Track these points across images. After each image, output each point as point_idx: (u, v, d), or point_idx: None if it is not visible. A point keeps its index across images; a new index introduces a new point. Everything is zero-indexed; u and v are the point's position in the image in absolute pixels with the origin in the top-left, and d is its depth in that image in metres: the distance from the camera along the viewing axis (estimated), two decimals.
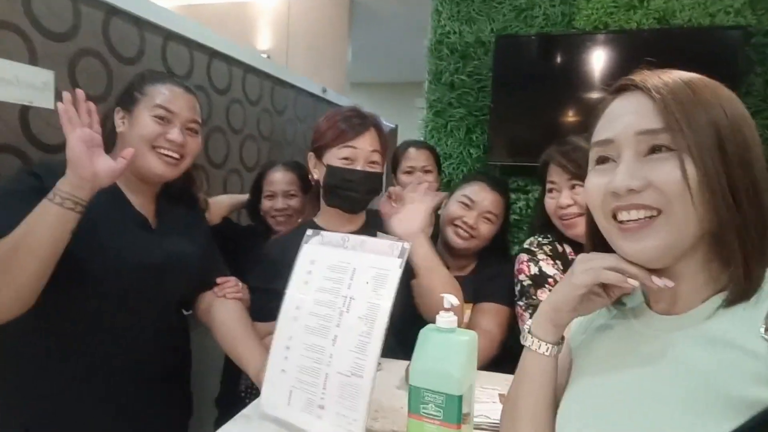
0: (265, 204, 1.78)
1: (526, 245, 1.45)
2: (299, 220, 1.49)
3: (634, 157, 0.61)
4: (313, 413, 0.90)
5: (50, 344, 1.08)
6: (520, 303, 1.41)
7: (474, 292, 1.49)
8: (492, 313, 1.44)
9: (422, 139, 2.23)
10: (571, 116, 1.96)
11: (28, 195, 0.98)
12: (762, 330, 0.55)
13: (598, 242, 0.70)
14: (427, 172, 1.84)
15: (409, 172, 1.86)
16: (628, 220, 0.61)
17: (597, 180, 0.65)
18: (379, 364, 1.22)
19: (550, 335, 0.71)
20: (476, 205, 1.53)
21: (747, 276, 0.58)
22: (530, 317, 1.30)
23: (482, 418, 1.01)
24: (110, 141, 1.15)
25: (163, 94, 1.16)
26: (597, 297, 0.68)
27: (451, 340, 0.88)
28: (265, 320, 1.26)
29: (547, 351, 0.70)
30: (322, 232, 1.03)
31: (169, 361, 1.26)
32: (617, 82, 0.66)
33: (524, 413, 0.73)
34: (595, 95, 1.92)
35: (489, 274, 1.54)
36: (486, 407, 1.06)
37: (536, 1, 2.08)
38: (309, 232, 1.05)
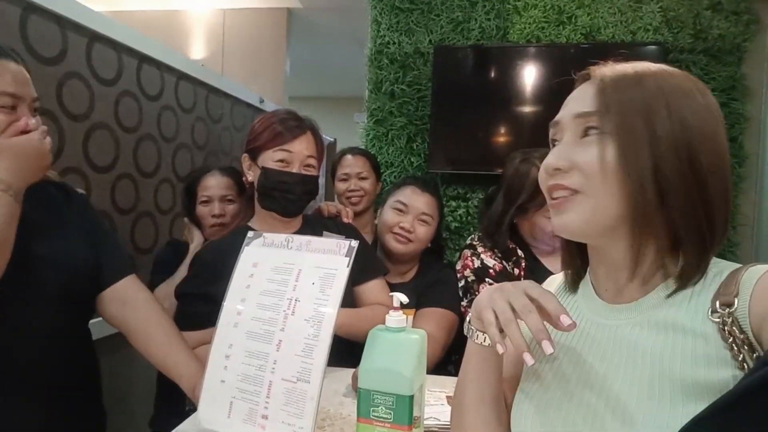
0: (200, 210, 1.70)
1: (468, 241, 1.50)
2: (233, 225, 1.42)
3: (571, 139, 0.63)
4: (256, 424, 0.85)
5: None
6: (464, 302, 1.43)
7: (416, 297, 1.49)
8: (435, 318, 1.44)
9: (363, 146, 2.22)
10: (506, 125, 2.02)
11: None
12: (709, 312, 0.57)
13: None
14: (362, 178, 1.83)
15: (344, 179, 1.85)
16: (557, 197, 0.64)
17: (547, 159, 0.67)
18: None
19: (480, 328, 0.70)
20: (410, 208, 1.55)
21: (690, 262, 0.60)
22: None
23: (432, 420, 0.99)
24: None
25: (1, 75, 0.96)
26: None
27: (401, 340, 0.86)
28: (194, 328, 1.19)
29: (485, 341, 0.69)
30: (265, 233, 0.99)
31: (66, 371, 1.09)
32: (582, 72, 0.67)
33: (469, 403, 0.72)
34: (527, 105, 1.99)
35: (430, 279, 1.55)
36: (435, 410, 1.04)
37: (472, 15, 2.14)
38: (250, 233, 1.00)
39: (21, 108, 0.98)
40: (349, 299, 1.35)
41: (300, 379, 0.83)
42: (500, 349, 0.61)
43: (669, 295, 0.61)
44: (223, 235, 1.37)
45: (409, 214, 1.54)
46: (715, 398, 0.51)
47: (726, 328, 0.55)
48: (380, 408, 0.83)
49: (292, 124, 1.24)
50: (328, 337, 0.83)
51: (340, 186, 1.85)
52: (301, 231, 1.32)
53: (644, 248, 0.62)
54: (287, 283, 0.90)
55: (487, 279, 1.39)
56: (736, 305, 0.55)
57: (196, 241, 1.69)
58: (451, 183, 2.16)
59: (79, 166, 1.90)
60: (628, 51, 2.02)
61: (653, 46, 1.97)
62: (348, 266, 0.87)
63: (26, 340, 1.00)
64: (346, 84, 5.11)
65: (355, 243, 0.89)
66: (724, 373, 0.54)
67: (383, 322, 0.85)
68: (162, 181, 2.44)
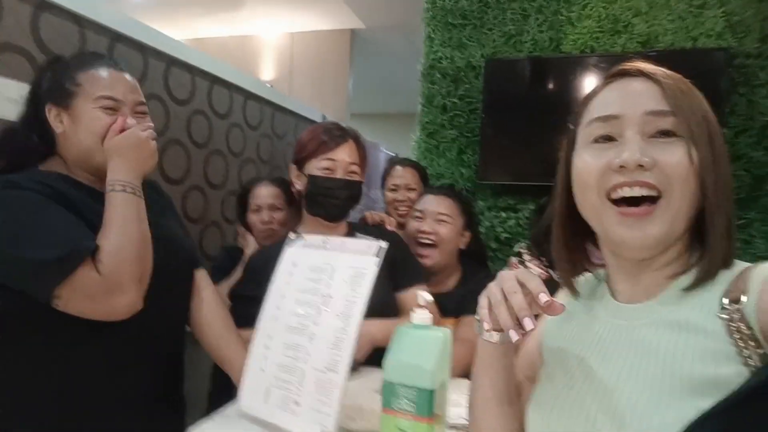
0: (251, 218, 1.82)
1: (515, 249, 1.51)
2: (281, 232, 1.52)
3: (639, 137, 0.61)
4: (288, 410, 0.91)
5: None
6: None
7: (457, 306, 1.50)
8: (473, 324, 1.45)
9: (415, 159, 2.28)
10: (556, 136, 2.00)
11: (51, 205, 0.95)
12: (718, 309, 0.58)
13: (571, 228, 0.71)
14: (410, 189, 1.90)
15: (393, 189, 1.93)
16: (629, 198, 0.61)
17: (593, 158, 0.64)
18: (357, 368, 1.23)
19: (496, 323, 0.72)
20: (426, 213, 1.61)
21: (718, 262, 0.61)
22: None
23: (461, 420, 1.01)
24: (43, 145, 1.06)
25: (101, 81, 1.04)
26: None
27: (424, 336, 0.89)
28: (243, 327, 1.27)
29: (492, 338, 0.71)
30: (305, 235, 1.06)
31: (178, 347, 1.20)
32: (618, 67, 0.66)
33: (480, 400, 0.75)
34: None
35: (472, 288, 1.55)
36: (466, 411, 1.06)
37: (525, 28, 2.15)
38: (291, 235, 1.08)
39: (122, 111, 1.04)
40: (393, 305, 1.39)
41: (329, 369, 0.89)
42: (486, 326, 0.65)
43: (683, 292, 0.62)
44: (273, 241, 1.46)
45: (427, 218, 1.60)
46: (719, 394, 0.51)
47: (733, 324, 0.55)
48: (403, 400, 0.86)
49: (336, 134, 1.33)
50: (354, 331, 0.88)
51: (390, 195, 1.93)
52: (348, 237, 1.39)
53: (676, 250, 0.63)
54: (322, 281, 0.97)
55: None
56: (744, 301, 0.56)
57: (251, 247, 1.81)
58: (501, 194, 2.16)
59: (155, 178, 2.09)
60: (690, 58, 1.96)
61: (717, 53, 1.89)
62: (377, 265, 0.92)
63: (160, 314, 1.07)
64: (408, 101, 5.22)
65: (384, 244, 0.94)
66: (729, 369, 0.54)
67: None
68: (229, 192, 2.62)
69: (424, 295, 0.93)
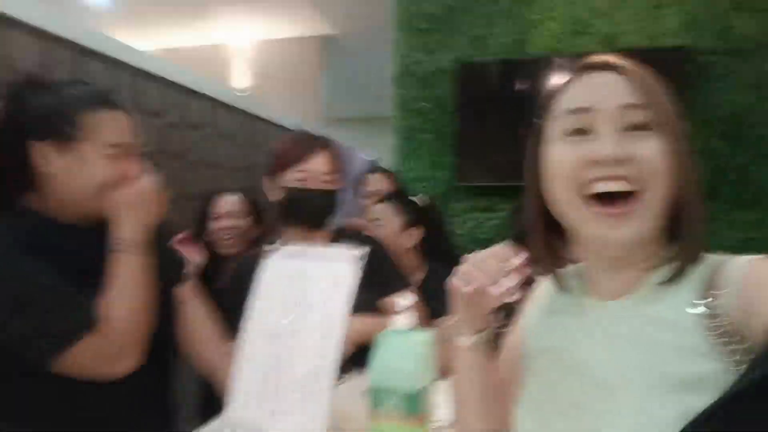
0: (212, 226, 1.82)
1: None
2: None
3: (614, 130, 0.59)
4: (275, 418, 0.92)
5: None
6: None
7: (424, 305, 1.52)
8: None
9: (393, 164, 2.31)
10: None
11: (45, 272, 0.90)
12: (695, 307, 0.58)
13: (547, 224, 0.70)
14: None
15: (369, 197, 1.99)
16: (603, 193, 0.59)
17: (567, 151, 0.62)
18: (344, 376, 1.25)
19: (464, 328, 0.73)
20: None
21: (694, 255, 0.61)
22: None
23: (447, 421, 1.03)
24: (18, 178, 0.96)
25: (109, 126, 0.97)
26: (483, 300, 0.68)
27: (406, 339, 0.91)
28: (231, 339, 1.28)
29: (465, 342, 0.72)
30: (284, 246, 1.07)
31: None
32: (586, 60, 0.64)
33: (461, 400, 0.76)
34: None
35: (438, 288, 1.57)
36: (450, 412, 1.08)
37: (491, 31, 2.20)
38: (271, 246, 1.09)
39: (129, 158, 0.99)
40: (375, 312, 1.40)
41: (315, 376, 0.90)
42: (495, 291, 0.64)
43: (658, 288, 0.62)
44: (253, 252, 1.46)
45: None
46: (703, 389, 0.53)
47: (712, 321, 0.56)
48: (388, 404, 0.88)
49: (307, 144, 1.33)
50: (338, 338, 0.90)
51: (366, 203, 1.98)
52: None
53: (653, 245, 0.63)
54: (302, 290, 0.98)
55: None
56: (721, 297, 0.56)
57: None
58: (479, 196, 2.20)
59: None
60: (650, 56, 2.02)
61: (674, 50, 1.96)
62: (356, 272, 0.94)
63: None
64: (384, 104, 5.24)
65: (364, 250, 0.96)
66: (707, 365, 0.55)
67: None
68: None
69: (401, 301, 0.95)
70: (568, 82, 0.65)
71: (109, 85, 1.98)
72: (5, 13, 1.55)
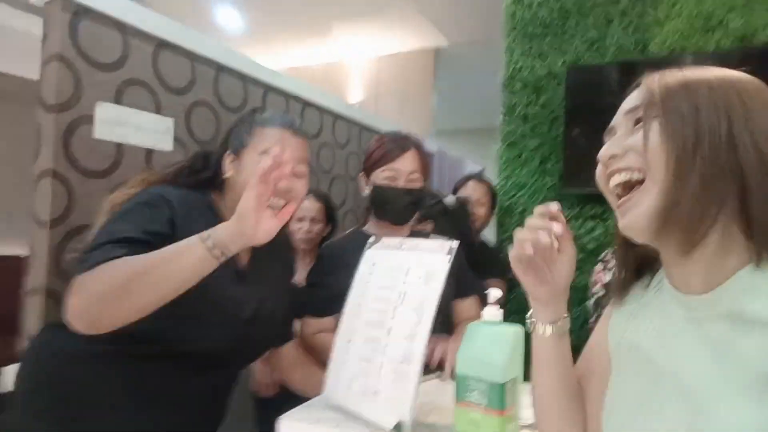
0: (294, 225, 2.00)
1: (600, 257, 1.49)
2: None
3: (622, 133, 0.68)
4: (369, 399, 0.98)
5: (113, 372, 1.02)
6: (591, 318, 1.41)
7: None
8: (475, 307, 1.50)
9: (497, 170, 2.30)
10: None
11: (161, 217, 1.01)
12: None
13: None
14: (480, 205, 2.04)
15: None
16: (616, 186, 0.67)
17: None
18: (439, 372, 1.28)
19: (543, 314, 0.75)
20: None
21: (764, 245, 0.58)
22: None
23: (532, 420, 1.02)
24: (214, 183, 1.18)
25: (271, 137, 1.11)
26: (545, 263, 0.72)
27: (495, 331, 0.92)
28: (318, 314, 1.41)
29: (545, 332, 0.74)
30: (383, 238, 1.14)
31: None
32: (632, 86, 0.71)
33: (540, 393, 0.76)
34: None
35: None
36: None
37: (608, 32, 2.11)
38: (371, 239, 1.16)
39: (282, 167, 1.02)
40: (446, 310, 1.46)
41: (404, 360, 0.94)
42: (544, 237, 0.69)
43: (749, 281, 0.59)
44: (342, 235, 1.63)
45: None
46: None
47: None
48: (474, 393, 0.90)
49: (396, 145, 1.43)
50: (428, 324, 0.94)
51: None
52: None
53: (732, 236, 0.61)
54: (398, 279, 1.03)
55: None
56: None
57: None
58: (588, 203, 2.11)
59: None
60: None
61: None
62: (449, 262, 0.97)
63: (208, 395, 1.17)
64: (491, 115, 5.21)
65: (455, 243, 0.99)
66: None
67: None
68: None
69: (494, 292, 0.96)
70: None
71: (242, 97, 2.22)
72: (164, 38, 1.83)
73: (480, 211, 2.03)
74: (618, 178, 0.66)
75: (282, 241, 1.25)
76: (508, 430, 0.89)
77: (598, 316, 1.38)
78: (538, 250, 0.70)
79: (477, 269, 1.95)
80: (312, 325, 1.43)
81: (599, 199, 2.07)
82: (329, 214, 2.09)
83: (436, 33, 4.26)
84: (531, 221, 0.71)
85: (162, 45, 1.82)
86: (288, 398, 1.40)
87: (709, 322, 0.61)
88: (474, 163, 5.09)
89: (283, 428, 0.99)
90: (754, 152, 0.58)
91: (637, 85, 0.70)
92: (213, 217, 1.11)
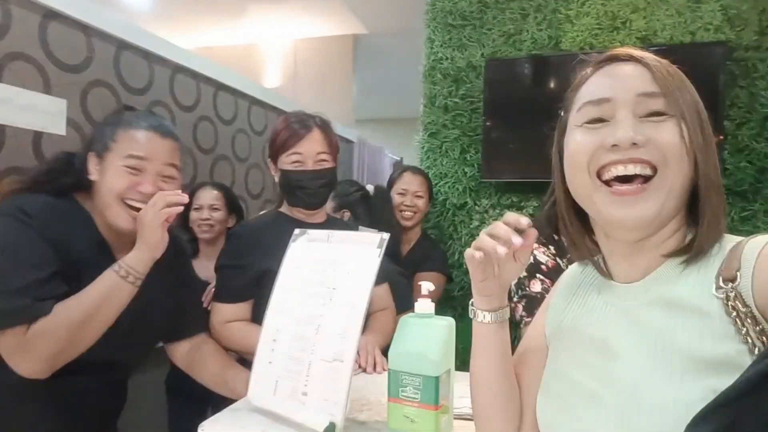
0: (193, 215, 1.98)
1: None
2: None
3: (631, 118, 0.61)
4: (297, 400, 0.93)
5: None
6: (514, 298, 1.44)
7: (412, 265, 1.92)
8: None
9: (418, 160, 2.31)
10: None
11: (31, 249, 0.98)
12: (713, 289, 0.58)
13: (576, 213, 0.71)
14: (418, 197, 2.04)
15: (402, 194, 2.05)
16: (619, 177, 0.61)
17: (586, 137, 0.64)
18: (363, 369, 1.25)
19: (484, 304, 0.74)
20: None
21: (710, 237, 0.61)
22: (523, 308, 1.33)
23: (467, 409, 1.02)
24: (80, 185, 1.11)
25: (135, 140, 1.07)
26: (497, 264, 0.70)
27: (428, 325, 0.91)
28: (230, 300, 1.32)
29: (485, 319, 0.73)
30: (309, 231, 1.08)
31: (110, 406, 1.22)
32: (608, 52, 0.67)
33: (477, 379, 0.76)
34: None
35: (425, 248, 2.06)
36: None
37: (524, 26, 2.17)
38: (296, 231, 1.10)
39: (146, 171, 1.06)
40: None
41: (336, 358, 0.90)
42: (501, 250, 0.66)
43: (678, 271, 0.62)
44: (256, 217, 1.59)
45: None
46: (723, 372, 0.53)
47: (729, 303, 0.56)
48: (408, 388, 0.88)
49: (300, 125, 1.35)
50: (360, 321, 0.90)
51: (397, 198, 2.00)
52: (324, 224, 1.43)
53: (670, 229, 0.63)
54: (327, 273, 0.99)
55: (538, 275, 1.40)
56: (738, 280, 0.56)
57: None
58: (505, 192, 2.18)
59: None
60: (689, 52, 1.96)
61: (716, 46, 1.90)
62: (379, 257, 0.94)
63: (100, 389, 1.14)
64: (412, 105, 5.26)
65: (386, 235, 0.96)
66: (728, 347, 0.54)
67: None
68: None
69: (426, 285, 0.94)
70: (590, 74, 0.68)
71: (147, 78, 2.04)
72: (52, 7, 1.62)
73: (419, 202, 2.02)
74: (630, 170, 0.60)
75: (173, 246, 1.19)
76: (442, 422, 0.88)
77: (521, 297, 1.43)
78: (491, 257, 0.68)
79: (418, 262, 1.96)
80: (222, 312, 1.31)
81: (516, 187, 2.17)
82: (231, 204, 2.06)
83: (354, 20, 4.19)
84: (496, 229, 0.67)
85: (50, 15, 1.61)
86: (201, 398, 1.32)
87: (641, 308, 0.63)
88: (392, 154, 5.12)
89: None
90: (714, 149, 0.62)
91: (616, 58, 0.66)
92: (84, 221, 1.09)
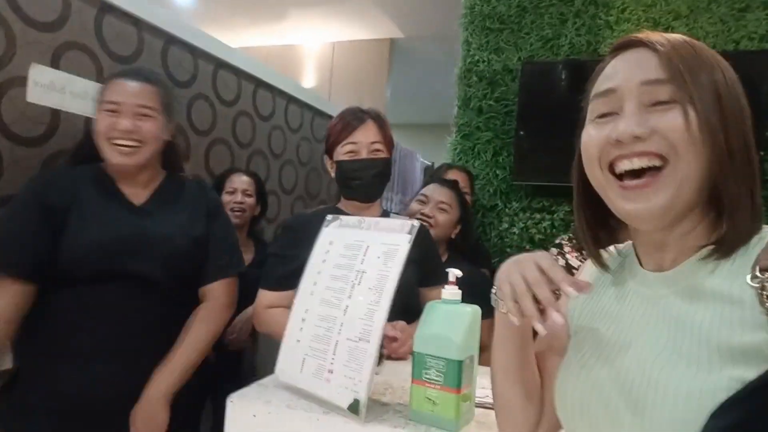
0: (225, 198, 2.04)
1: (557, 241, 1.52)
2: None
3: (637, 107, 0.60)
4: (322, 378, 0.96)
5: (54, 324, 1.20)
6: None
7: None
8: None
9: (450, 161, 2.32)
10: None
11: (35, 223, 1.19)
12: (748, 278, 0.56)
13: (590, 205, 0.70)
14: (465, 193, 1.97)
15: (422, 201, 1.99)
16: (629, 171, 0.60)
17: (596, 132, 0.63)
18: (388, 356, 1.27)
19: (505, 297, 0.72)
20: (430, 199, 1.81)
21: (738, 229, 0.59)
22: None
23: (489, 399, 1.03)
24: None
25: (110, 89, 1.25)
26: None
27: (454, 310, 0.93)
28: (272, 287, 1.35)
29: (516, 322, 0.70)
30: (341, 217, 1.12)
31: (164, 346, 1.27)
32: (619, 40, 0.65)
33: (497, 367, 0.76)
34: None
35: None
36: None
37: (562, 31, 2.17)
38: (329, 217, 1.13)
39: (121, 111, 1.22)
40: (415, 297, 1.42)
41: (361, 338, 0.93)
42: (516, 321, 0.66)
43: (710, 262, 0.60)
44: (311, 210, 1.60)
45: (429, 203, 1.80)
46: (752, 362, 0.52)
47: (765, 293, 0.54)
48: (431, 371, 0.90)
49: (354, 117, 1.38)
50: (387, 303, 0.92)
51: (414, 206, 2.00)
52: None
53: (704, 220, 0.62)
54: (356, 258, 1.01)
55: None
56: None
57: None
58: (536, 195, 2.17)
59: (201, 173, 2.20)
60: (732, 61, 1.92)
61: (760, 55, 1.86)
62: (409, 242, 0.96)
63: (135, 318, 1.24)
64: (445, 111, 5.27)
65: (417, 223, 0.98)
66: (757, 337, 0.53)
67: None
68: (269, 192, 2.71)
69: (454, 272, 0.96)
70: (605, 63, 0.66)
71: (191, 72, 2.12)
72: (109, 1, 1.71)
73: (467, 199, 1.97)
74: (636, 163, 0.59)
75: (192, 188, 1.39)
76: (463, 407, 0.90)
77: None
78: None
79: (472, 260, 1.92)
80: (265, 298, 1.35)
81: (547, 191, 2.16)
82: (260, 192, 2.13)
83: (391, 24, 4.25)
84: (540, 291, 0.64)
85: (106, 8, 1.70)
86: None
87: (668, 297, 0.63)
88: (423, 158, 5.14)
89: (233, 407, 0.96)
90: (739, 134, 0.59)
91: (627, 45, 0.64)
92: (95, 170, 1.30)
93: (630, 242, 0.73)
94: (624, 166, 0.60)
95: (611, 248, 0.78)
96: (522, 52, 2.22)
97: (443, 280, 1.45)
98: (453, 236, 1.82)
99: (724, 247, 0.60)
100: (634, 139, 0.58)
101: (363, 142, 1.36)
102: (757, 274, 0.56)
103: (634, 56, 0.62)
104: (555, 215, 2.11)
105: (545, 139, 2.09)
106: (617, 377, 0.63)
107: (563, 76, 2.09)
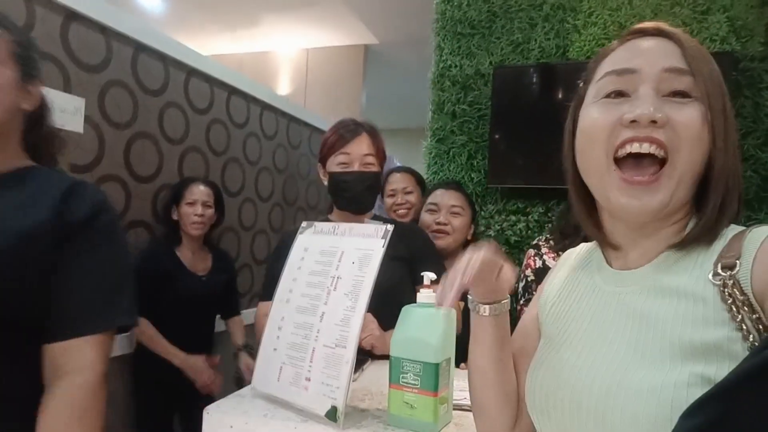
0: (186, 209, 2.02)
1: (534, 242, 1.54)
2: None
3: (652, 93, 0.59)
4: (300, 386, 0.95)
5: None
6: (521, 301, 1.46)
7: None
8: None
9: (425, 167, 2.33)
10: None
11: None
12: (710, 275, 0.58)
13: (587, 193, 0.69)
14: (407, 193, 2.03)
15: (391, 195, 2.04)
16: (633, 154, 0.60)
17: (602, 113, 0.62)
18: (369, 360, 1.27)
19: (481, 299, 0.74)
20: (440, 206, 1.78)
21: (706, 224, 0.61)
22: None
23: (466, 401, 1.04)
24: None
25: None
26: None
27: (430, 313, 0.93)
28: (269, 298, 1.33)
29: (484, 312, 0.74)
30: (316, 223, 1.11)
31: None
32: (636, 26, 0.64)
33: (474, 370, 0.77)
34: None
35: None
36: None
37: (532, 35, 2.21)
38: (304, 223, 1.13)
39: None
40: (409, 295, 1.42)
41: (338, 345, 0.93)
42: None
43: (675, 259, 0.62)
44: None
45: (441, 210, 1.77)
46: (712, 358, 0.53)
47: (726, 290, 0.55)
48: (408, 375, 0.90)
49: (348, 129, 1.39)
50: (362, 308, 0.92)
51: (388, 201, 2.02)
52: None
53: (679, 217, 0.63)
54: (331, 264, 1.01)
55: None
56: (738, 267, 0.56)
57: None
58: (510, 197, 2.19)
59: (173, 181, 2.17)
60: None
61: (721, 57, 1.92)
62: (383, 246, 0.96)
63: None
64: (420, 115, 5.30)
65: (390, 227, 0.98)
66: (718, 333, 0.54)
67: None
68: (246, 200, 2.69)
69: (428, 275, 0.97)
70: (616, 46, 0.65)
71: (162, 80, 2.09)
72: (75, 9, 1.68)
73: (410, 198, 2.01)
74: (646, 148, 0.59)
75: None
76: (441, 410, 0.90)
77: (527, 300, 1.44)
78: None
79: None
80: (264, 307, 1.34)
81: (522, 193, 2.19)
82: (218, 201, 2.13)
83: (365, 31, 4.26)
84: (485, 258, 0.69)
85: (72, 16, 1.67)
86: None
87: (634, 294, 0.63)
88: (400, 163, 5.16)
89: (210, 419, 0.94)
90: (733, 132, 0.61)
91: (644, 32, 0.63)
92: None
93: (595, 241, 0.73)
94: (631, 148, 0.59)
95: (579, 247, 0.81)
96: (493, 56, 2.25)
97: (441, 275, 1.47)
98: (469, 237, 1.80)
99: (689, 242, 0.61)
100: (650, 123, 0.58)
101: (355, 153, 1.37)
102: (719, 271, 0.57)
103: (655, 43, 0.62)
104: (530, 216, 2.14)
105: (519, 141, 2.12)
106: (581, 374, 0.64)
107: (534, 80, 2.12)
